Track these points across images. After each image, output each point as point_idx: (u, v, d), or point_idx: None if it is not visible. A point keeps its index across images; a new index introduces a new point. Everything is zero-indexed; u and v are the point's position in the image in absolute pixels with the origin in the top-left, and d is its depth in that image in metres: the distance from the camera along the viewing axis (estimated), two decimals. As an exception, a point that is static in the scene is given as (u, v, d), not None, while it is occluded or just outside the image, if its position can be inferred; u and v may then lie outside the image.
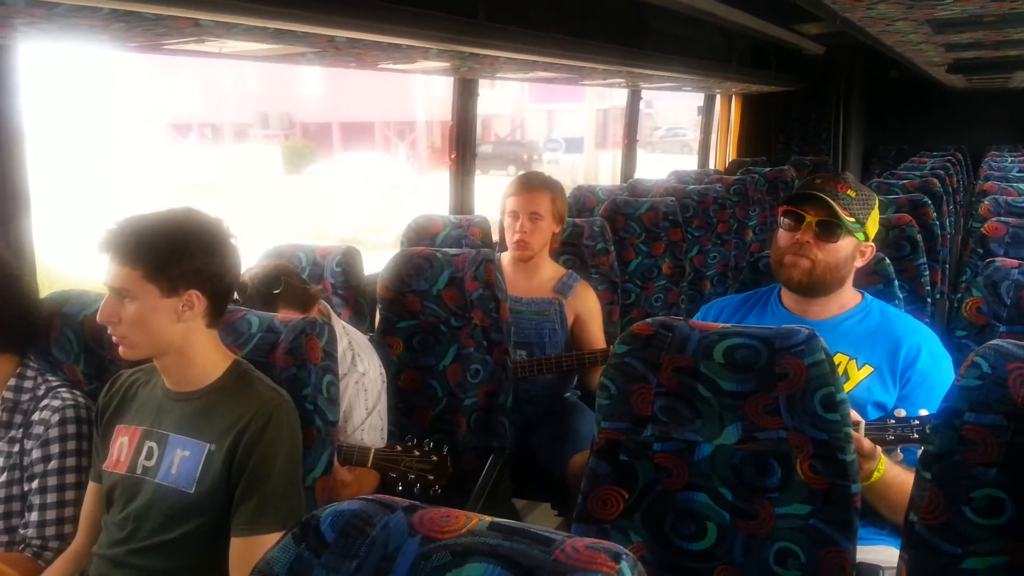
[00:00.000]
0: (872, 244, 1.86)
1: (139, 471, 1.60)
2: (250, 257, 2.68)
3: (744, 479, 1.48)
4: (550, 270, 2.73)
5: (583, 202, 4.44)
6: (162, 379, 1.64)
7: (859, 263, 1.85)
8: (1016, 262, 2.02)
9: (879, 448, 1.56)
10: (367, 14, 2.04)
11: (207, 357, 1.61)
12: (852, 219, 1.78)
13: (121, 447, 1.63)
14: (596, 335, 2.72)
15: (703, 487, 1.50)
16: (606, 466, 1.56)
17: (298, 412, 1.66)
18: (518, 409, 2.66)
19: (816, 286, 1.82)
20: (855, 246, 1.81)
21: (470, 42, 2.53)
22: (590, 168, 21.40)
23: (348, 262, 2.59)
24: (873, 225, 1.84)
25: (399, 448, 1.97)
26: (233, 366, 1.64)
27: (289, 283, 2.04)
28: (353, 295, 2.59)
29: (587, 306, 2.71)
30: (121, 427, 1.65)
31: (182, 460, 1.56)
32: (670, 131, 26.59)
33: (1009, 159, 5.91)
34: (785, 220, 1.83)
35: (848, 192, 1.79)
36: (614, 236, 3.60)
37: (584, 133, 25.41)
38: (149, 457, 1.60)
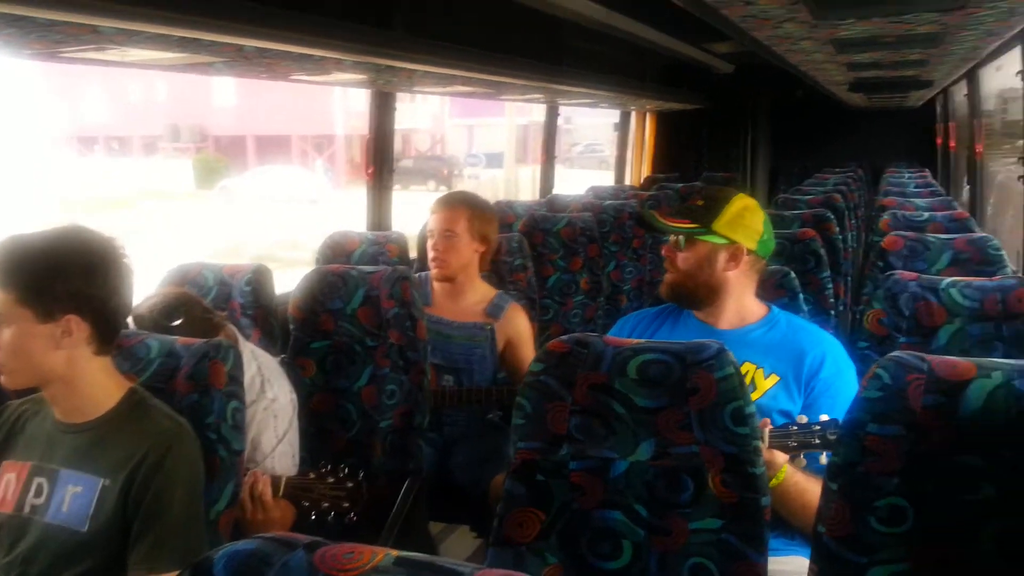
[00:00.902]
0: (742, 246, 1.88)
1: (27, 510, 1.49)
2: (157, 277, 2.58)
3: (658, 495, 1.48)
4: (479, 292, 2.68)
5: (502, 218, 4.42)
6: (52, 410, 1.54)
7: (730, 267, 1.88)
8: (914, 275, 2.10)
9: (779, 456, 1.59)
10: (277, 23, 1.98)
11: (98, 386, 1.52)
12: (694, 225, 1.87)
13: (8, 485, 1.52)
14: (526, 359, 2.67)
15: (618, 504, 1.50)
16: (522, 487, 1.54)
17: (200, 441, 1.59)
18: (437, 430, 2.62)
19: (684, 295, 1.92)
20: (710, 250, 1.87)
21: (385, 54, 2.49)
22: (511, 183, 21.54)
23: (258, 281, 2.50)
24: (733, 229, 1.88)
25: (312, 475, 1.90)
26: (128, 394, 1.56)
27: (190, 313, 1.95)
28: (263, 316, 2.50)
29: (518, 330, 2.67)
30: (8, 463, 1.54)
31: (74, 497, 1.47)
32: (588, 147, 27.06)
33: (907, 175, 6.22)
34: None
35: (696, 203, 1.92)
36: (532, 252, 3.61)
37: (504, 148, 25.58)
38: (38, 494, 1.50)
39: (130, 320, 1.98)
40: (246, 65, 2.33)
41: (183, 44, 1.90)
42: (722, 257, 1.87)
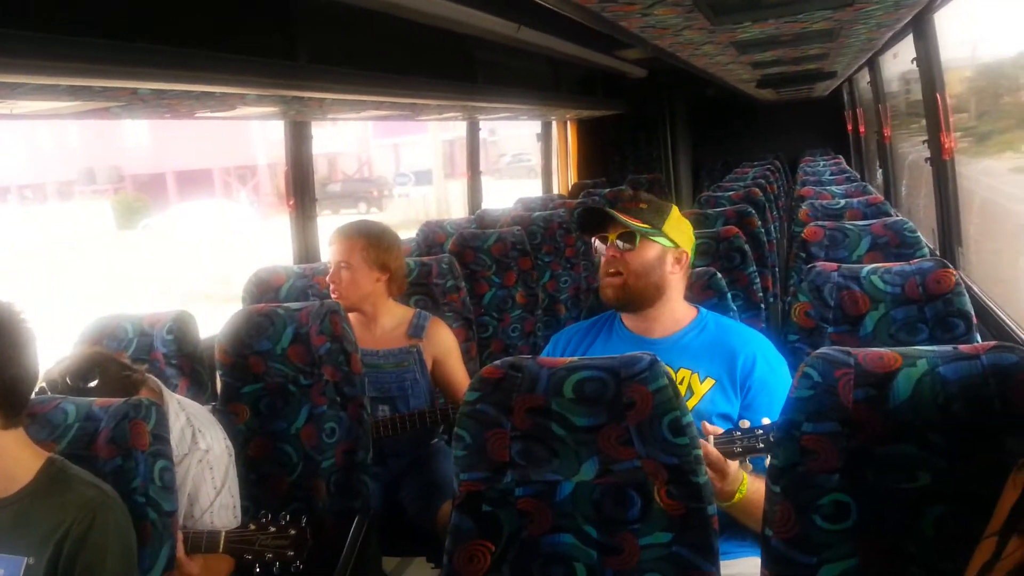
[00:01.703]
0: (684, 251, 1.93)
1: None
2: (75, 330, 2.46)
3: (606, 513, 1.46)
4: (396, 315, 2.65)
5: (432, 238, 4.40)
6: None
7: (676, 270, 1.91)
8: (835, 265, 2.15)
9: (734, 465, 1.59)
10: (171, 63, 1.90)
11: (11, 460, 1.44)
12: (646, 225, 1.87)
13: None
14: (457, 372, 2.66)
15: (567, 527, 1.47)
16: (469, 520, 1.50)
17: (128, 507, 1.51)
18: (382, 463, 2.56)
19: (633, 298, 1.89)
20: (659, 251, 1.89)
21: (290, 85, 2.44)
22: (442, 199, 21.50)
23: (180, 328, 2.40)
24: (677, 232, 1.92)
25: (252, 527, 1.83)
26: (47, 465, 1.47)
27: (106, 372, 1.86)
28: (189, 364, 2.40)
29: (443, 344, 2.65)
30: None
31: None
32: (516, 157, 27.21)
33: (822, 163, 6.41)
34: (597, 245, 1.93)
35: (640, 205, 1.91)
36: (465, 270, 3.58)
37: (432, 165, 25.53)
38: None
39: (43, 385, 1.89)
40: (144, 108, 2.24)
41: (73, 92, 1.81)
42: (669, 259, 1.90)
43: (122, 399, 1.67)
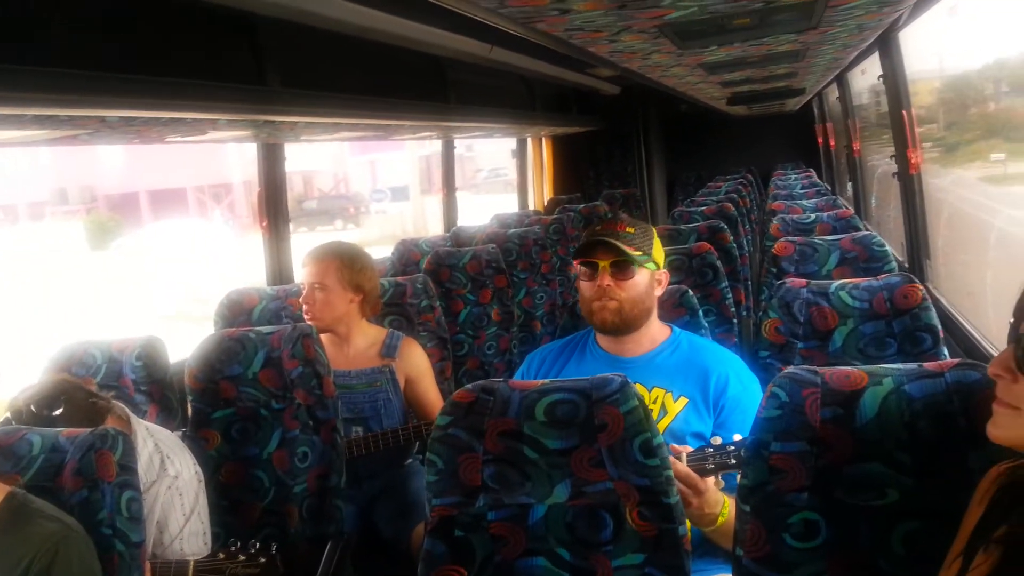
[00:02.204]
0: (665, 271, 1.96)
1: None
2: (44, 356, 2.43)
3: (579, 536, 1.46)
4: (370, 336, 2.64)
5: (408, 256, 4.39)
6: None
7: (659, 292, 1.94)
8: (804, 281, 2.17)
9: (710, 483, 1.59)
10: (138, 91, 1.89)
11: None
12: (639, 252, 1.88)
13: None
14: (430, 392, 2.65)
15: (540, 551, 1.47)
16: (441, 545, 1.49)
17: (94, 539, 1.49)
18: (357, 485, 2.54)
19: (628, 323, 1.89)
20: (650, 276, 1.91)
21: (261, 109, 2.42)
22: (419, 215, 21.47)
23: (149, 354, 2.38)
24: (659, 253, 1.94)
25: (222, 555, 1.80)
26: (7, 500, 1.45)
27: (71, 400, 1.83)
28: (159, 390, 2.38)
29: (416, 364, 2.64)
30: None
31: None
32: (492, 172, 27.28)
33: (793, 176, 6.49)
34: (583, 270, 1.90)
35: (627, 229, 1.90)
36: (440, 288, 3.58)
37: (408, 180, 25.51)
38: None
39: (8, 415, 1.86)
40: (113, 134, 2.22)
41: (39, 121, 1.79)
42: (655, 282, 1.92)
43: (88, 430, 1.65)
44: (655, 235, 1.96)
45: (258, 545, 1.82)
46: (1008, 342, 0.98)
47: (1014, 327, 0.97)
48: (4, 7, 1.62)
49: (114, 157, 24.16)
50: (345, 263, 2.57)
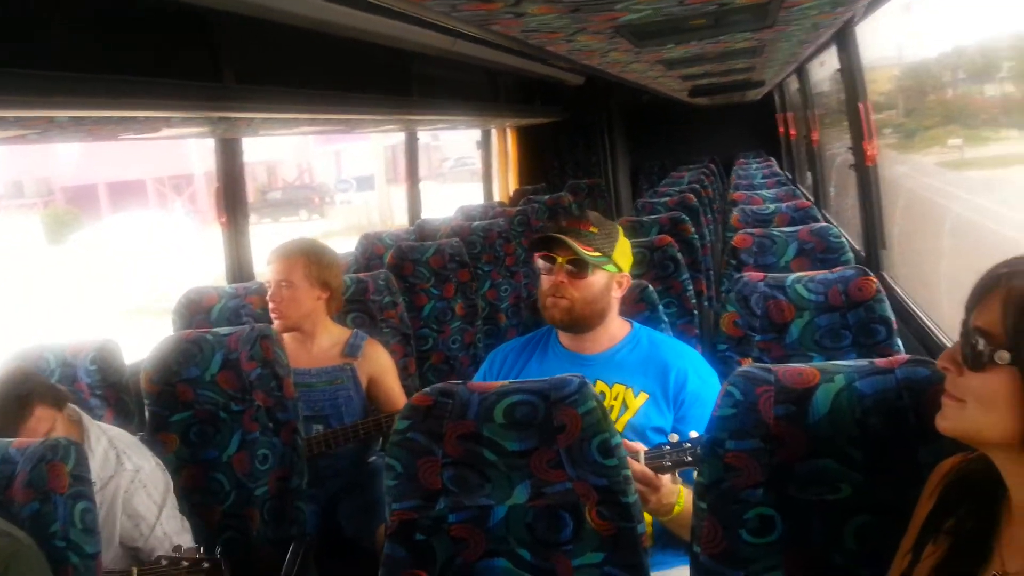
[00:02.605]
0: (627, 274, 1.95)
1: None
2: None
3: (539, 536, 1.47)
4: (333, 334, 2.62)
5: (371, 250, 4.36)
6: None
7: (617, 293, 1.93)
8: (761, 275, 2.19)
9: (665, 479, 1.60)
10: (88, 90, 1.84)
11: None
12: (598, 254, 1.86)
13: None
14: (393, 390, 2.64)
15: (501, 552, 1.47)
16: (402, 549, 1.49)
17: (47, 552, 1.46)
18: (320, 484, 2.53)
19: (578, 322, 1.89)
20: (608, 279, 1.89)
21: (216, 107, 2.38)
22: (384, 205, 21.30)
23: (104, 358, 2.34)
24: (622, 256, 1.93)
25: (164, 562, 1.77)
26: None
27: (38, 379, 1.90)
28: (115, 394, 2.33)
29: (379, 364, 2.63)
30: None
31: None
32: (459, 161, 27.13)
33: (754, 166, 6.55)
34: (542, 264, 1.90)
35: (591, 229, 1.88)
36: (404, 283, 3.56)
37: (374, 170, 25.29)
38: None
39: None
40: (63, 133, 2.17)
41: (-16, 121, 1.75)
42: (614, 284, 1.90)
43: (39, 440, 1.61)
44: (620, 236, 1.94)
45: (202, 550, 1.78)
46: (960, 336, 1.00)
47: (965, 321, 0.99)
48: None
49: (71, 149, 23.60)
50: (312, 260, 2.55)
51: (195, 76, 2.29)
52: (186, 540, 1.96)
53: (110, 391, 2.32)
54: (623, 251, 1.94)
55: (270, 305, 2.54)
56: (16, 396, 1.82)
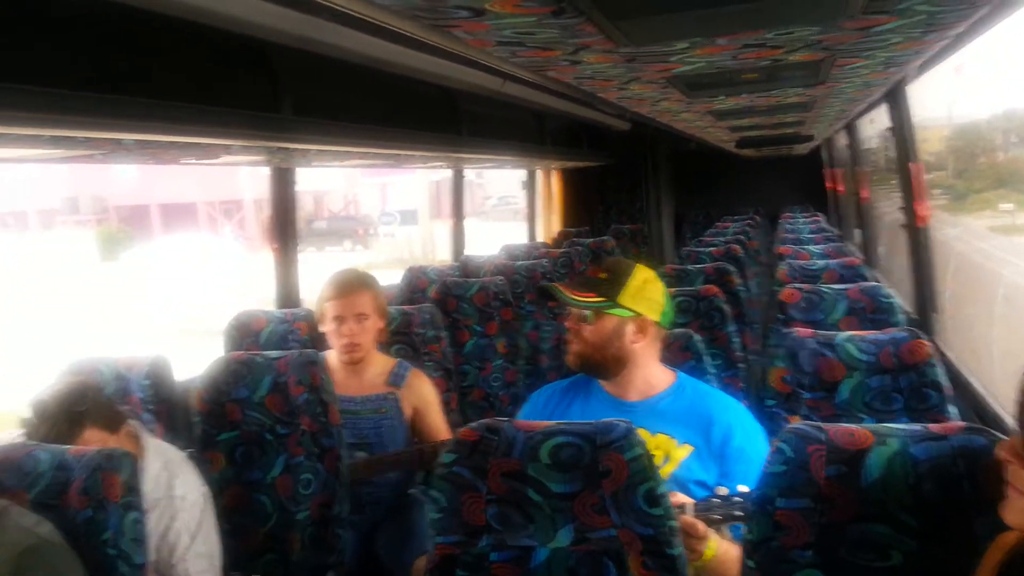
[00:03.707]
0: (649, 319, 1.90)
1: None
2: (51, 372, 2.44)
3: (581, 582, 1.46)
4: (380, 364, 2.66)
5: (416, 283, 4.41)
6: None
7: (638, 339, 1.89)
8: (811, 332, 2.18)
9: (702, 526, 1.59)
10: (155, 115, 1.91)
11: None
12: (601, 299, 1.87)
13: None
14: (437, 424, 2.66)
15: (541, 595, 1.47)
16: (442, 585, 1.49)
17: (98, 560, 1.50)
18: (360, 512, 2.54)
19: (592, 367, 1.91)
20: (618, 323, 1.88)
21: (275, 137, 2.45)
22: (427, 240, 21.52)
23: (157, 373, 2.40)
24: (640, 301, 1.89)
25: None
26: None
27: (96, 399, 1.87)
28: (166, 409, 2.39)
29: (422, 395, 2.66)
30: None
31: None
32: (502, 199, 27.38)
33: (801, 220, 6.51)
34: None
35: (599, 275, 1.92)
36: (447, 318, 3.59)
37: (418, 205, 25.63)
38: None
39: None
40: (128, 155, 2.25)
41: (56, 142, 1.82)
42: (629, 330, 1.88)
43: (108, 437, 1.66)
44: (635, 281, 1.90)
45: None
46: (1016, 421, 0.98)
47: (1021, 405, 0.97)
48: (24, 29, 1.66)
49: (127, 170, 24.34)
50: (377, 291, 2.64)
51: (256, 106, 2.37)
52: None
53: (162, 406, 2.38)
54: (640, 295, 1.89)
55: (342, 340, 2.54)
56: (68, 414, 1.82)
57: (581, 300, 1.87)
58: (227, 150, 2.50)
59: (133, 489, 1.62)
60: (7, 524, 1.45)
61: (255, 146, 2.53)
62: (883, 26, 1.59)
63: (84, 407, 1.84)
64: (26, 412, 1.86)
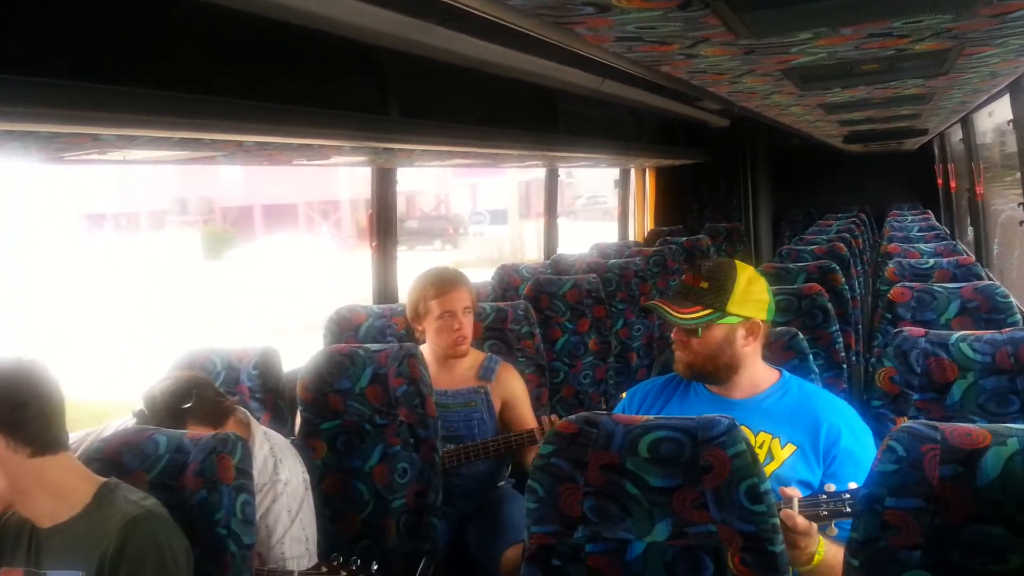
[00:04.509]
0: (758, 320, 1.85)
1: None
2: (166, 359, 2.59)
3: (678, 577, 1.45)
4: (470, 358, 2.70)
5: (508, 281, 4.45)
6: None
7: (748, 342, 1.85)
8: (922, 331, 2.09)
9: (815, 527, 1.55)
10: (274, 118, 2.02)
11: (59, 486, 1.53)
12: (706, 311, 1.80)
13: None
14: (525, 416, 2.69)
15: (637, 588, 1.46)
16: (538, 572, 1.51)
17: (210, 539, 1.58)
18: (451, 503, 2.59)
19: (704, 375, 1.87)
20: (727, 331, 1.82)
21: (382, 138, 2.54)
22: (516, 239, 21.64)
23: (265, 364, 2.50)
24: (746, 304, 1.83)
25: (324, 568, 1.86)
26: (100, 488, 1.57)
27: (201, 396, 1.96)
28: (272, 398, 2.49)
29: (512, 388, 2.69)
30: (4, 570, 1.56)
31: None
32: (591, 199, 27.21)
33: (909, 218, 6.23)
34: None
35: (701, 285, 1.83)
36: (539, 315, 3.61)
37: (508, 205, 25.78)
38: None
39: (140, 406, 1.99)
40: (247, 156, 2.37)
41: (183, 144, 1.94)
42: (739, 335, 1.83)
43: (211, 433, 1.75)
44: (740, 284, 1.83)
45: (359, 562, 1.86)
46: None
47: None
48: (167, 42, 1.76)
49: (232, 171, 25.44)
50: (471, 286, 2.71)
51: (365, 109, 2.45)
52: (301, 565, 2.01)
53: (269, 396, 2.48)
54: (747, 298, 1.83)
55: (454, 335, 2.60)
56: (169, 408, 1.92)
57: (688, 318, 1.80)
58: (338, 151, 2.60)
59: (245, 472, 1.71)
60: (116, 498, 1.55)
61: (363, 147, 2.62)
62: (1020, 11, 1.49)
63: (188, 403, 1.94)
64: (138, 403, 1.99)
